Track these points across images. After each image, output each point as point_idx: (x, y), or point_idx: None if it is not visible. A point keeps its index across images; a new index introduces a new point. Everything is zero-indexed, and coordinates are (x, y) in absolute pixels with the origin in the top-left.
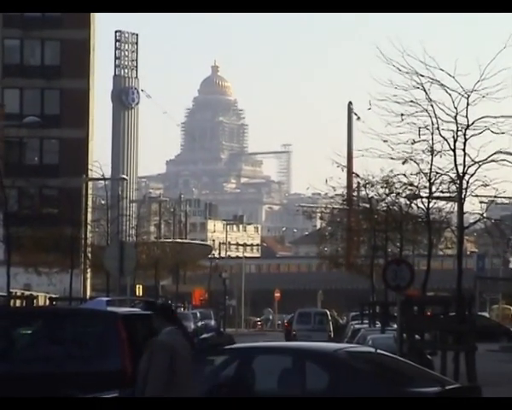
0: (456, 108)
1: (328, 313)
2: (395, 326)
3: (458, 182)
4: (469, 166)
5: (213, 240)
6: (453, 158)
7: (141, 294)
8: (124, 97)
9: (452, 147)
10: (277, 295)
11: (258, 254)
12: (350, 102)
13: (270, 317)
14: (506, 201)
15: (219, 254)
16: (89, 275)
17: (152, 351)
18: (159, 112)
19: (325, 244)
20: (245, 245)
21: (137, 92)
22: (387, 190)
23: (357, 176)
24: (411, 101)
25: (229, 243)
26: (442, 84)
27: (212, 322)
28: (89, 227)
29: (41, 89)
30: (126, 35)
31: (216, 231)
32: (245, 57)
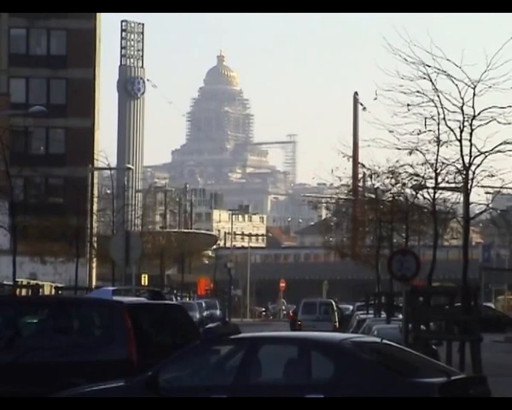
0: (462, 99)
1: (334, 303)
2: (400, 317)
3: (464, 172)
4: (475, 157)
5: (219, 230)
6: (459, 148)
7: (146, 283)
8: (129, 87)
9: (458, 137)
10: (282, 285)
11: (263, 244)
12: (356, 93)
13: (283, 307)
14: None
15: (225, 244)
16: (94, 264)
17: None
18: (164, 102)
19: (330, 234)
20: (250, 235)
21: (143, 82)
22: (393, 181)
23: (363, 166)
24: (417, 91)
25: (235, 232)
26: (448, 75)
27: (218, 312)
28: (94, 217)
29: (47, 78)
30: (132, 25)
31: (221, 220)
32: (251, 47)
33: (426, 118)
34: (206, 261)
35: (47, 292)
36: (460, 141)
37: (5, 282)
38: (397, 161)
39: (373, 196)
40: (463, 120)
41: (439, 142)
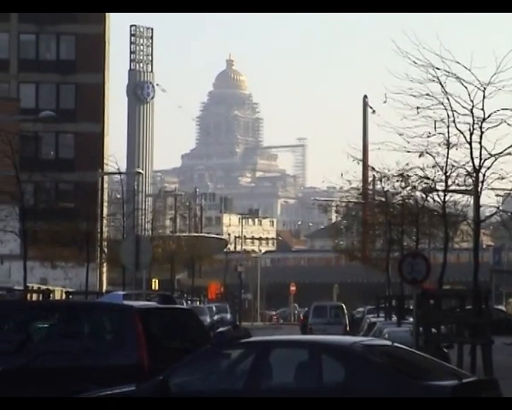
0: (472, 101)
1: (344, 306)
2: (411, 320)
3: (474, 175)
4: (485, 160)
5: (229, 234)
6: (469, 151)
7: (156, 288)
8: (139, 92)
9: (468, 140)
10: (293, 288)
11: (273, 248)
12: (365, 96)
13: (296, 311)
14: None
15: (235, 247)
16: (105, 269)
17: None
18: (174, 106)
19: (341, 238)
20: (260, 239)
21: (152, 86)
22: (403, 184)
23: (373, 169)
24: (427, 94)
25: (245, 236)
26: (458, 77)
27: (228, 316)
28: (104, 221)
29: (56, 83)
30: (141, 29)
31: (231, 224)
32: (260, 51)
33: (435, 121)
34: (217, 265)
35: (58, 297)
36: (470, 143)
37: (16, 287)
38: (407, 164)
39: (383, 199)
40: (473, 123)
41: (448, 144)
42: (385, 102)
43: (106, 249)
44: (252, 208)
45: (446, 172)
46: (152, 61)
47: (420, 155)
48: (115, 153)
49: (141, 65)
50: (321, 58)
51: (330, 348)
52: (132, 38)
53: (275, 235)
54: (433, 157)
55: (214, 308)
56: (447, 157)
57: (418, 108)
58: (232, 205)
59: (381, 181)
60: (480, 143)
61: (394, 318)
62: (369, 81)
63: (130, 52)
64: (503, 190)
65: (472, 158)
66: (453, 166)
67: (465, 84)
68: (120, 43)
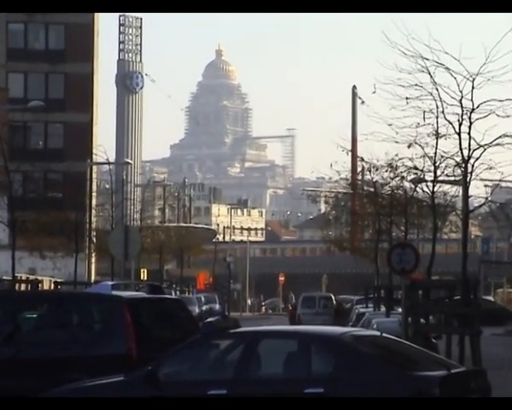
0: (461, 92)
1: (333, 297)
2: (400, 310)
3: (463, 166)
4: (474, 150)
5: (218, 224)
6: (458, 142)
7: (145, 278)
8: (128, 82)
9: (457, 130)
10: (282, 279)
11: (262, 238)
12: (354, 86)
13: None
14: (511, 184)
15: (224, 238)
16: (93, 259)
17: None
18: (163, 96)
19: (330, 228)
20: (249, 229)
21: (141, 76)
22: (392, 174)
23: (362, 160)
24: (416, 84)
25: (234, 227)
26: (447, 68)
27: (217, 306)
28: (93, 211)
29: (45, 73)
30: (130, 19)
31: (220, 215)
32: (249, 41)
33: (424, 111)
34: (205, 256)
35: (46, 287)
36: (459, 134)
37: (4, 277)
38: (396, 155)
39: (372, 189)
40: (462, 113)
41: (437, 135)
42: (374, 92)
43: (94, 239)
44: (241, 199)
45: (435, 163)
46: (141, 50)
47: (409, 146)
48: (104, 143)
49: (130, 55)
50: (310, 49)
51: (319, 339)
52: (121, 27)
53: (264, 225)
54: (422, 148)
55: (203, 299)
56: (436, 148)
57: (407, 98)
58: (221, 195)
59: (369, 171)
60: (469, 133)
61: (383, 308)
62: (358, 72)
63: (119, 42)
64: (492, 180)
65: (461, 148)
66: (442, 156)
67: (454, 74)
68: (109, 33)
